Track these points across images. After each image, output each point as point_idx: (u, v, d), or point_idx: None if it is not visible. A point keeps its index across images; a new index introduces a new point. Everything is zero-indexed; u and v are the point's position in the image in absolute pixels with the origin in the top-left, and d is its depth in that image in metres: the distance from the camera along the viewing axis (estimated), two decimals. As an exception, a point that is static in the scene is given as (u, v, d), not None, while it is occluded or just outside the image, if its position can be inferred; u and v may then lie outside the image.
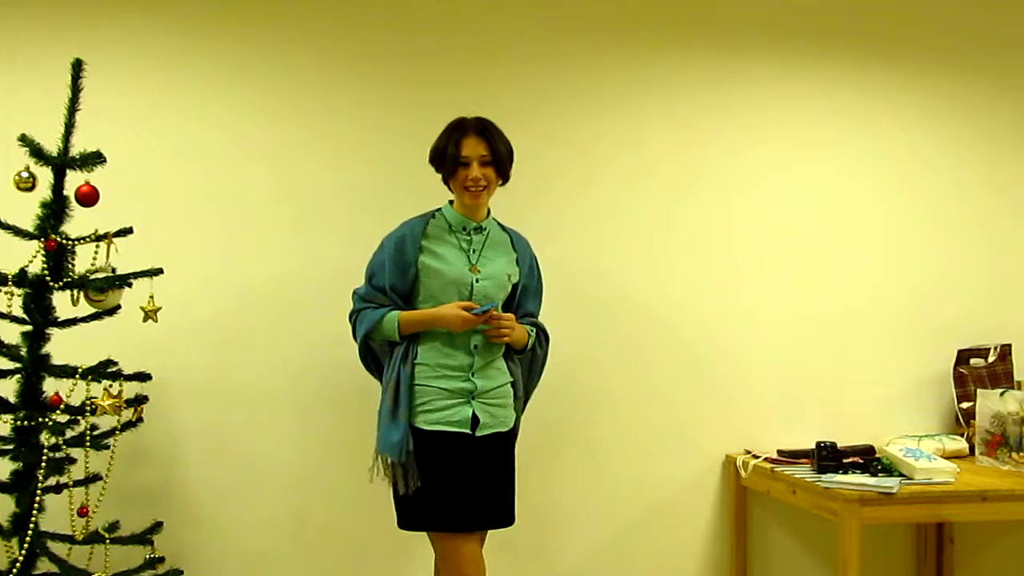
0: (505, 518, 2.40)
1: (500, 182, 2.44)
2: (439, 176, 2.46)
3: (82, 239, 2.22)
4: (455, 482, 2.27)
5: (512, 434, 2.44)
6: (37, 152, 2.18)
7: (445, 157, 2.39)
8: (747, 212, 3.11)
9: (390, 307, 2.37)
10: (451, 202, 2.48)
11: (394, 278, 2.37)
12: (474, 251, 2.42)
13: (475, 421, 2.32)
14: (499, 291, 2.42)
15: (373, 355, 2.47)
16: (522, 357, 2.53)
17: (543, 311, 2.58)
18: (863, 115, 3.21)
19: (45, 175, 2.22)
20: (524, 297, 2.53)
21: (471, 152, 2.36)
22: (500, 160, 2.39)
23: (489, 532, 2.84)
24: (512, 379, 2.44)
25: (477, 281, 2.38)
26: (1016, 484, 2.64)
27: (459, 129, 2.40)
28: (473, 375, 2.34)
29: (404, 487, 2.26)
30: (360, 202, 2.78)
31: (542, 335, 2.58)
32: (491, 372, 2.38)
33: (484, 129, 2.39)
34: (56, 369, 2.24)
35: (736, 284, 3.09)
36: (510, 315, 2.40)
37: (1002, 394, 2.89)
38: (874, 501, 2.49)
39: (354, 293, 2.44)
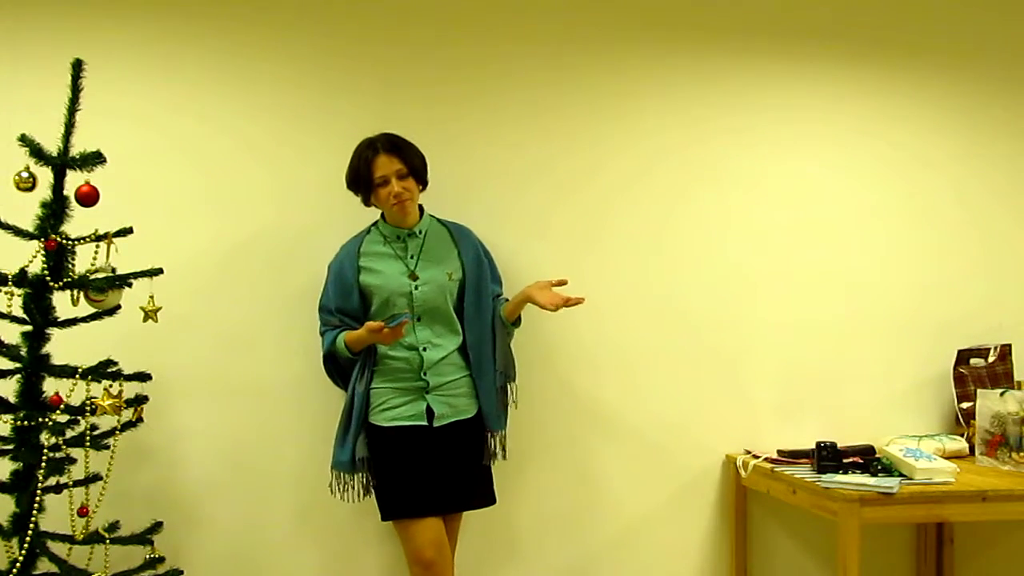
0: (476, 499, 2.53)
1: (422, 188, 2.57)
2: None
3: (82, 239, 2.22)
4: (412, 472, 2.43)
5: (476, 421, 2.55)
6: (37, 152, 2.18)
7: (360, 181, 2.51)
8: (746, 212, 3.11)
9: (342, 328, 2.51)
10: (383, 215, 2.59)
11: (339, 301, 2.53)
12: (411, 257, 2.54)
13: (432, 413, 2.47)
14: (441, 292, 2.53)
15: (339, 368, 2.60)
16: (507, 331, 2.63)
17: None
18: (862, 115, 3.21)
19: (45, 175, 2.22)
20: (483, 284, 2.60)
21: (386, 170, 2.47)
22: (416, 170, 2.51)
23: (487, 533, 2.85)
24: (467, 373, 2.55)
25: (416, 288, 2.49)
26: (1016, 484, 2.64)
27: (368, 149, 2.50)
28: (425, 373, 2.49)
29: (353, 498, 2.48)
30: (361, 202, 2.77)
31: None
32: (444, 368, 2.51)
33: (393, 145, 2.49)
34: (56, 369, 2.23)
35: (735, 284, 3.09)
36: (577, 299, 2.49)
37: (1002, 394, 2.89)
38: (874, 501, 2.49)
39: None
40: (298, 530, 2.77)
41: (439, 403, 2.48)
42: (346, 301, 2.52)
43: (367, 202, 2.56)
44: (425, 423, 2.46)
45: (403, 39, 2.88)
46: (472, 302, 2.57)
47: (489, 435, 2.59)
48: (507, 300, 2.64)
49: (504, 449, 2.63)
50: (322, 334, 2.58)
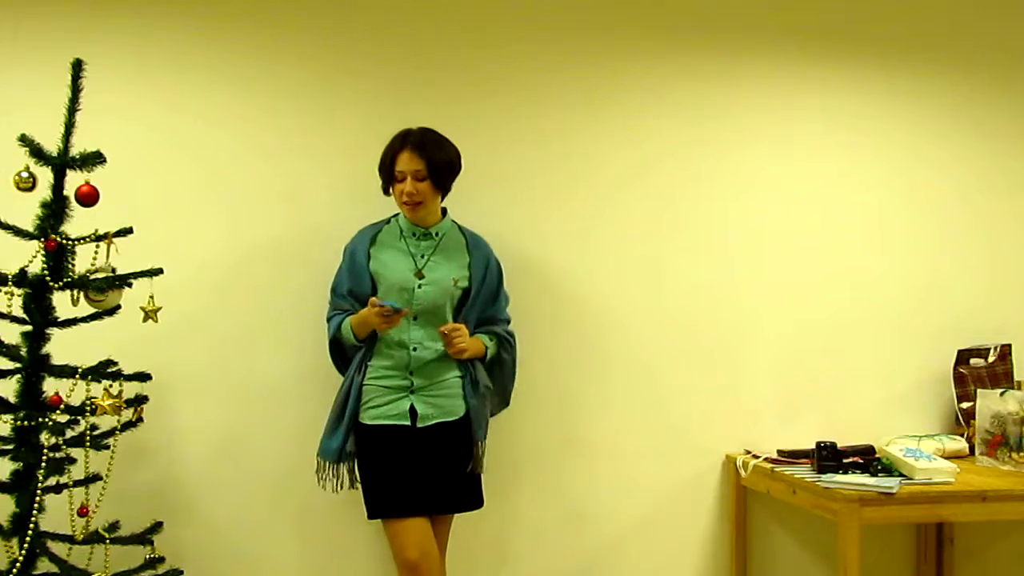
0: (462, 503, 2.50)
1: (440, 194, 2.53)
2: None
3: (82, 239, 2.22)
4: (395, 471, 2.42)
5: (464, 423, 2.51)
6: (37, 152, 2.18)
7: (384, 170, 2.51)
8: (745, 212, 3.11)
9: (351, 312, 2.50)
10: None
11: (351, 283, 2.53)
12: (422, 256, 2.52)
13: (415, 414, 2.45)
14: (443, 296, 2.50)
15: (343, 355, 2.59)
16: (489, 365, 2.59)
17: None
18: (862, 115, 3.21)
19: (45, 175, 2.22)
20: (480, 301, 2.57)
21: (405, 167, 2.45)
22: (437, 174, 2.46)
23: (486, 533, 2.85)
24: (461, 374, 2.51)
25: (420, 286, 2.47)
26: (1016, 484, 2.64)
27: (399, 140, 2.49)
28: (411, 373, 2.47)
29: (337, 487, 2.47)
30: (363, 202, 2.77)
31: (505, 342, 2.64)
32: (432, 369, 2.48)
33: (422, 144, 2.46)
34: (56, 369, 2.23)
35: (735, 284, 3.09)
36: (459, 325, 2.46)
37: (1002, 394, 2.89)
38: (874, 501, 2.49)
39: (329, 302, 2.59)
40: (298, 529, 2.77)
41: (423, 404, 2.47)
42: (358, 284, 2.52)
43: (386, 191, 2.55)
44: (408, 423, 2.45)
45: (407, 40, 2.88)
46: (468, 313, 2.55)
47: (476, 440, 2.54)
48: (492, 334, 2.60)
49: (481, 457, 2.55)
50: (329, 319, 2.57)
